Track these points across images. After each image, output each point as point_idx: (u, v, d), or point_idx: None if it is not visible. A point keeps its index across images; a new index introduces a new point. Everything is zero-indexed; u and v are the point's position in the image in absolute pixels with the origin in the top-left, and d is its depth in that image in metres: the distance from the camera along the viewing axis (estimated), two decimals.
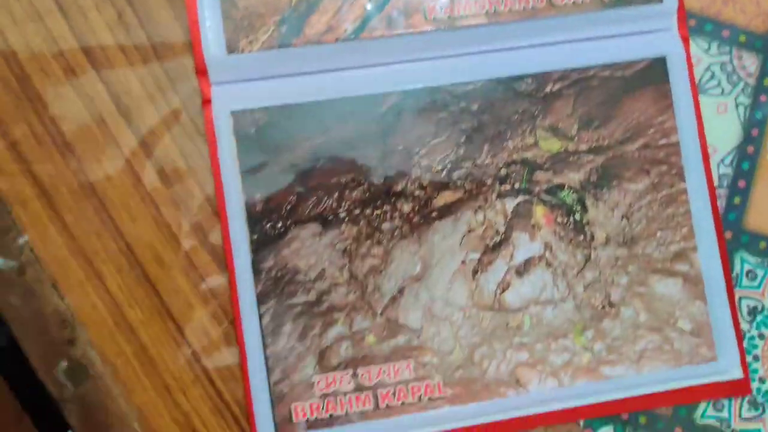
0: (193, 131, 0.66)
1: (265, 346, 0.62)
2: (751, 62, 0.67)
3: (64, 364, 0.64)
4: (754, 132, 0.66)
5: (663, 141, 0.71)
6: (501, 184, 0.73)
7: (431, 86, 0.64)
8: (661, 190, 0.72)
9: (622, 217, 0.73)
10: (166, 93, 0.71)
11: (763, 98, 0.67)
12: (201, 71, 0.60)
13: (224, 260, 0.65)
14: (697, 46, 0.67)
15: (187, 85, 0.65)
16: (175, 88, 0.69)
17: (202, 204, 0.65)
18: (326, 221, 0.66)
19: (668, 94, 0.65)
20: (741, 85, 0.69)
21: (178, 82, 0.67)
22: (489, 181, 0.73)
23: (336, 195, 0.66)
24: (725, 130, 0.68)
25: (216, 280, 0.72)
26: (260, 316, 0.62)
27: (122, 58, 0.72)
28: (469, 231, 0.72)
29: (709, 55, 0.69)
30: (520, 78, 0.65)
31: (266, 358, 0.61)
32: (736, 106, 0.68)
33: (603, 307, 0.71)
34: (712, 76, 0.69)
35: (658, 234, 0.72)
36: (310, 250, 0.69)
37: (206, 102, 0.61)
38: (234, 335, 0.65)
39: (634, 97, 0.66)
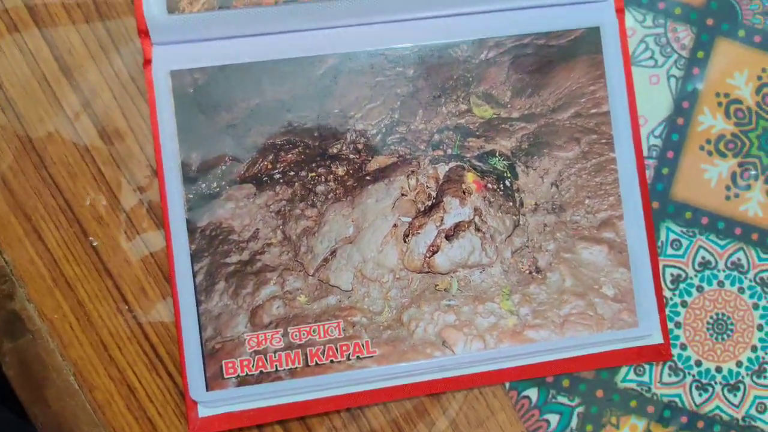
0: (134, 91, 0.65)
1: (198, 303, 0.62)
2: (685, 35, 0.66)
3: (1, 317, 0.63)
4: (685, 104, 0.67)
5: (594, 110, 0.71)
6: (434, 149, 0.72)
7: (368, 50, 0.63)
8: (591, 158, 0.72)
9: (552, 184, 0.73)
10: (108, 52, 0.71)
11: (695, 71, 0.67)
12: (142, 31, 0.60)
13: (162, 219, 0.65)
14: (632, 17, 0.67)
15: (129, 44, 0.65)
16: (118, 48, 0.68)
17: (141, 163, 0.64)
18: (261, 182, 0.65)
19: (600, 64, 0.65)
20: (674, 57, 0.68)
21: (120, 41, 0.66)
22: (422, 147, 0.72)
23: (271, 156, 0.64)
24: (656, 102, 0.69)
25: (153, 238, 0.73)
26: (194, 274, 0.62)
27: (65, 16, 0.71)
28: (402, 195, 0.71)
29: (644, 27, 0.69)
30: (456, 44, 0.64)
31: (199, 315, 0.61)
32: (668, 78, 0.69)
33: (530, 273, 0.71)
34: (646, 48, 0.69)
35: (586, 202, 0.72)
36: (244, 210, 0.68)
37: (147, 62, 0.61)
38: (170, 292, 0.65)
39: (567, 66, 0.65)
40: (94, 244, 0.70)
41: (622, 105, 0.67)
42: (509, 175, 0.73)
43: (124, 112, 0.65)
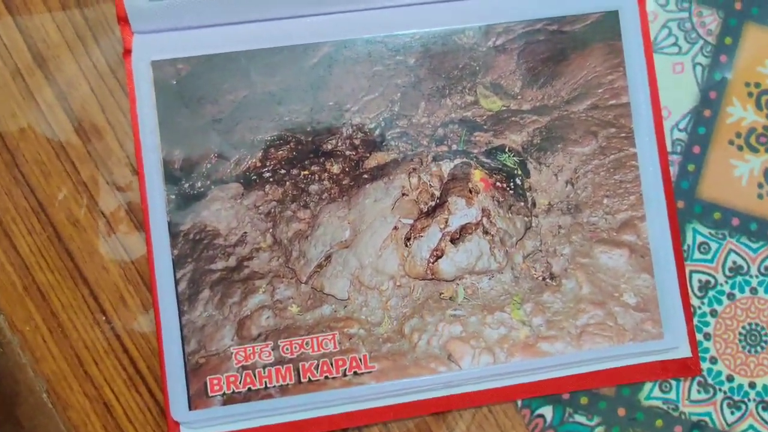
0: (113, 83, 0.63)
1: (180, 313, 0.58)
2: (711, 19, 0.62)
3: None
4: (712, 94, 0.63)
5: (612, 102, 0.67)
6: (438, 144, 0.68)
7: (366, 37, 0.59)
8: (609, 154, 0.67)
9: (567, 182, 0.68)
10: (85, 41, 0.67)
11: (723, 58, 0.63)
12: (122, 18, 0.57)
13: (142, 222, 0.62)
14: (654, 0, 0.63)
15: (107, 33, 0.62)
16: (96, 37, 0.66)
17: (120, 161, 0.62)
18: (249, 181, 0.62)
19: (619, 51, 0.61)
20: (700, 43, 0.67)
21: (98, 30, 0.65)
22: (425, 142, 0.68)
23: (260, 153, 0.62)
24: (681, 92, 0.64)
25: (133, 243, 0.68)
26: (176, 282, 0.59)
27: (40, 3, 0.67)
28: (403, 195, 0.67)
29: (667, 11, 0.66)
30: (462, 31, 0.60)
31: (182, 327, 0.58)
32: (694, 66, 0.65)
33: (543, 279, 0.66)
34: (669, 34, 0.66)
35: (605, 201, 0.67)
36: (231, 212, 0.65)
37: (127, 52, 0.58)
38: (150, 302, 0.62)
39: (582, 54, 0.64)
40: (69, 248, 0.65)
41: (644, 96, 0.62)
42: (520, 172, 0.68)
43: (102, 106, 0.62)
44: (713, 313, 0.67)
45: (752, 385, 0.62)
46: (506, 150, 0.68)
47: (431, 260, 0.67)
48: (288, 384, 0.58)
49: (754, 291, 0.66)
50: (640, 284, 0.61)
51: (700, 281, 0.66)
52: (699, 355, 0.64)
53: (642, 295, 0.61)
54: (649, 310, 0.60)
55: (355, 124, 0.66)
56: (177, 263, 0.59)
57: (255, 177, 0.64)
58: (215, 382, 0.57)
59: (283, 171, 0.66)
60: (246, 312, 0.61)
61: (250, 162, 0.65)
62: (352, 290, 0.64)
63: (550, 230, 0.68)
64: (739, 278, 0.66)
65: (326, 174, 0.67)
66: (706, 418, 0.62)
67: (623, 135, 0.63)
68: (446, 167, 0.68)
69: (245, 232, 0.65)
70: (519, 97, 0.67)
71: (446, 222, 0.68)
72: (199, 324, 0.58)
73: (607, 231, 0.67)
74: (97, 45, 0.62)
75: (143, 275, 0.65)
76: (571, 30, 0.62)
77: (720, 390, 0.62)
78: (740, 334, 0.66)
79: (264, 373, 0.58)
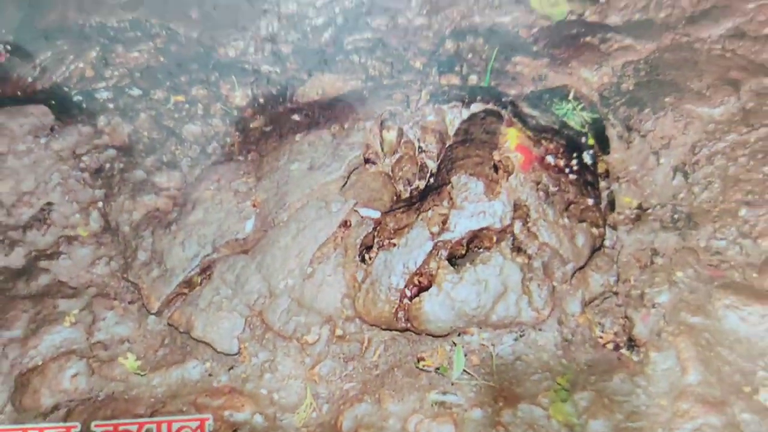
0: None
1: None
2: None
3: None
4: None
5: None
6: (441, 72, 0.50)
7: None
8: (760, 125, 0.44)
9: (676, 170, 0.46)
10: None
11: None
12: None
13: None
14: None
15: None
16: None
17: None
18: (66, 103, 0.45)
19: None
20: None
21: None
22: (418, 64, 0.50)
23: (94, 52, 0.50)
24: None
25: None
26: None
27: None
28: (366, 162, 0.44)
29: None
30: None
31: None
32: None
33: (616, 348, 0.44)
34: None
35: (743, 213, 0.43)
36: (25, 159, 0.42)
37: None
38: None
39: None
40: None
41: None
42: (593, 141, 0.48)
43: None
44: None
45: None
46: (570, 97, 0.49)
47: (408, 293, 0.46)
48: None
49: None
50: None
51: None
52: None
53: None
54: None
55: (284, 13, 0.54)
56: None
57: (80, 97, 0.48)
58: None
59: (134, 91, 0.49)
60: (36, 360, 0.41)
61: (72, 67, 0.48)
62: (248, 338, 0.44)
63: (636, 257, 0.46)
64: None
65: (219, 103, 0.47)
66: None
67: None
68: (453, 116, 0.47)
69: (49, 203, 0.46)
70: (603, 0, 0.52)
71: (443, 222, 0.45)
72: None
73: (743, 268, 0.44)
74: None
75: None
76: None
77: None
78: None
79: None
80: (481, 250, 0.48)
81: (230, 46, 0.47)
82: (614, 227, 0.49)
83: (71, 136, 0.46)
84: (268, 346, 0.46)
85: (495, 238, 0.48)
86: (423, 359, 0.47)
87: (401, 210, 0.47)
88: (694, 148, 0.49)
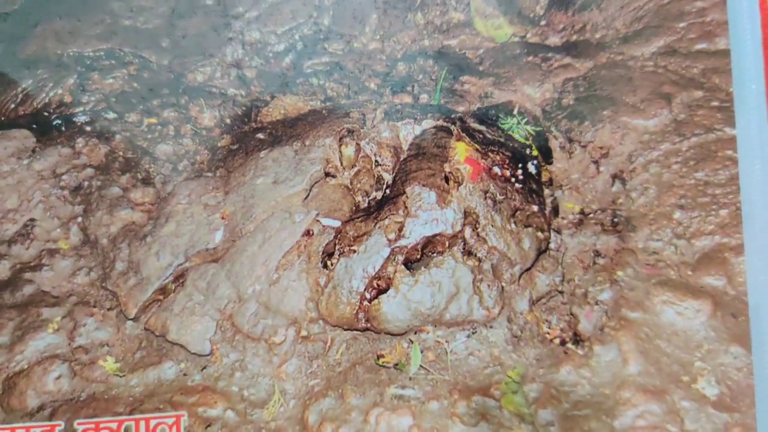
0: None
1: None
2: None
3: None
4: None
5: (701, 45, 0.47)
6: (395, 92, 0.50)
7: None
8: (690, 135, 0.46)
9: (615, 178, 0.47)
10: None
11: None
12: None
13: None
14: None
15: None
16: None
17: None
18: (47, 128, 0.43)
19: None
20: None
21: None
22: (372, 84, 0.49)
23: (72, 81, 0.50)
24: None
25: None
26: None
27: None
28: (326, 175, 0.43)
29: None
30: None
31: None
32: None
33: (562, 343, 0.46)
34: None
35: (677, 215, 0.46)
36: (9, 179, 0.42)
37: None
38: None
39: None
40: None
41: (753, 39, 0.40)
42: (536, 152, 0.47)
43: None
44: None
45: None
46: (515, 112, 0.49)
47: (368, 295, 0.47)
48: None
49: None
50: (727, 363, 0.45)
51: None
52: None
53: (729, 381, 0.44)
54: (738, 408, 0.44)
55: (248, 41, 0.51)
56: None
57: (59, 121, 0.48)
58: None
59: (111, 114, 0.48)
60: (21, 364, 0.42)
61: (52, 94, 0.47)
62: (220, 340, 0.45)
63: (579, 258, 0.47)
64: None
65: (189, 125, 0.47)
66: None
67: (716, 104, 0.46)
68: (407, 132, 0.47)
69: (32, 219, 0.46)
70: (543, 22, 0.52)
71: (399, 229, 0.46)
72: None
73: (677, 267, 0.47)
74: None
75: None
76: None
77: None
78: None
79: None
80: (435, 254, 0.51)
81: (198, 71, 0.48)
82: (558, 231, 0.52)
83: (52, 157, 0.48)
84: (238, 347, 0.48)
85: (447, 243, 0.51)
86: (382, 356, 0.49)
87: (360, 219, 0.50)
88: (630, 157, 0.50)
